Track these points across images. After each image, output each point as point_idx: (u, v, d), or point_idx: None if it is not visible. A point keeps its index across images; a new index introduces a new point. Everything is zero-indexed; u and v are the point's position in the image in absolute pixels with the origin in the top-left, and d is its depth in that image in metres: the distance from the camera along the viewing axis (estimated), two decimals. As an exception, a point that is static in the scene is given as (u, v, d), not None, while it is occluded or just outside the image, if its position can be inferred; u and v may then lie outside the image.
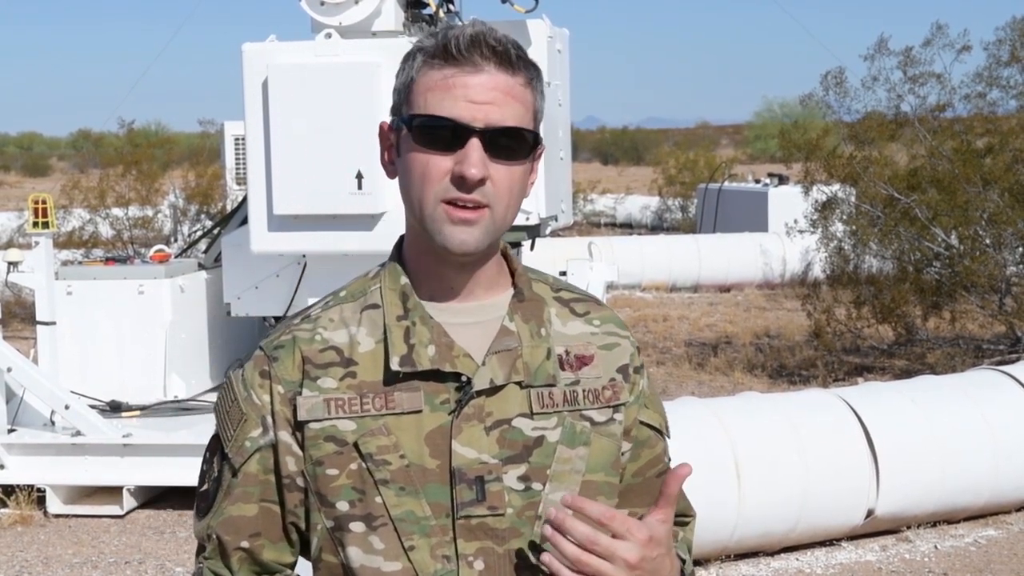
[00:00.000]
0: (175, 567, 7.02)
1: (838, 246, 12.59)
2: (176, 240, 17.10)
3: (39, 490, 7.96)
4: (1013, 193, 11.29)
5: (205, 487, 1.89)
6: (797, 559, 6.87)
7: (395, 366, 1.78)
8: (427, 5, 7.99)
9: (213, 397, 8.80)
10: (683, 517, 2.04)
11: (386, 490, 1.76)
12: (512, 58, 1.77)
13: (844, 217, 12.57)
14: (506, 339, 1.81)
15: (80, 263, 11.52)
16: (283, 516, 1.84)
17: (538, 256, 10.10)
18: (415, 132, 1.76)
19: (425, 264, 1.83)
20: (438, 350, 1.79)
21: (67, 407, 7.93)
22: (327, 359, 1.81)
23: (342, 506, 1.78)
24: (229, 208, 11.25)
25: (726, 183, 24.16)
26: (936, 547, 7.03)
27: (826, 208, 12.56)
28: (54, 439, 8.03)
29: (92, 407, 8.21)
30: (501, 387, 1.79)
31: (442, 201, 1.74)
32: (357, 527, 1.78)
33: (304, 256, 8.08)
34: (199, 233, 14.47)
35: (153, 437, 8.01)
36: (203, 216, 18.26)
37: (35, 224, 8.20)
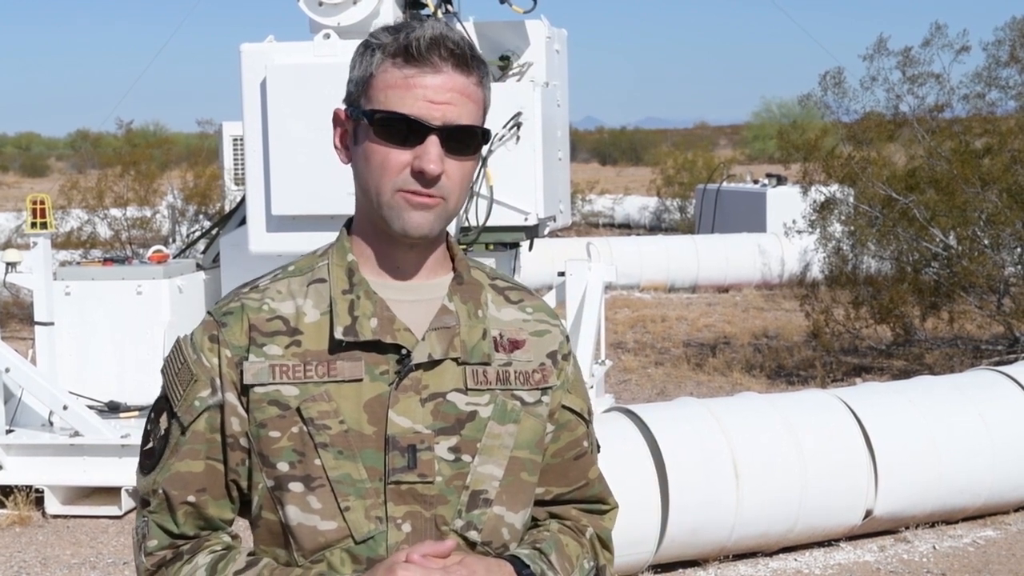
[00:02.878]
0: (173, 568, 7.01)
1: (836, 246, 12.60)
2: (174, 240, 17.09)
3: (37, 490, 7.96)
4: (1011, 194, 11.29)
5: (150, 445, 1.98)
6: (795, 559, 6.87)
7: (338, 335, 1.88)
8: (425, 5, 7.99)
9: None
10: (600, 505, 2.12)
11: (325, 453, 1.86)
12: (468, 59, 1.89)
13: (842, 217, 12.57)
14: (445, 317, 1.93)
15: (78, 263, 11.52)
16: (225, 474, 1.94)
17: (536, 257, 10.11)
18: (376, 126, 1.87)
19: (375, 244, 1.95)
20: (380, 323, 1.89)
21: (65, 407, 7.92)
22: (273, 328, 1.91)
23: (282, 467, 1.88)
24: (227, 208, 11.26)
25: (724, 183, 24.16)
26: (934, 547, 7.03)
27: (824, 208, 12.57)
28: (52, 440, 8.03)
29: (90, 407, 8.21)
30: (439, 362, 1.90)
31: (399, 190, 1.86)
32: (296, 487, 1.87)
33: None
34: (197, 233, 14.46)
35: (151, 437, 8.00)
36: (201, 216, 18.27)
37: (33, 224, 8.20)
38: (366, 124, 1.89)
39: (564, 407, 2.03)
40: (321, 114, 7.34)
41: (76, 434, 7.93)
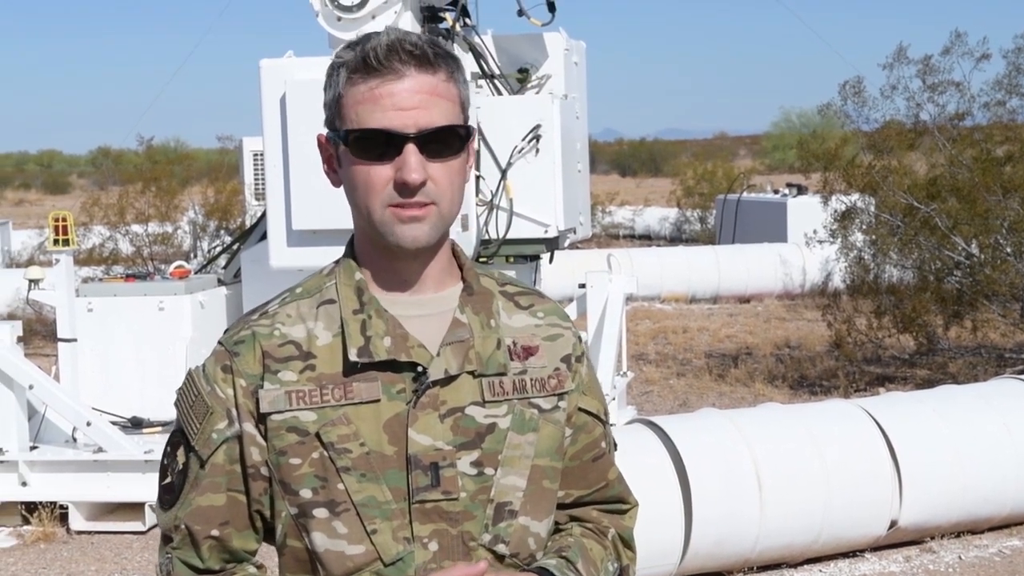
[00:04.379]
0: (197, 583, 7.02)
1: (858, 256, 12.55)
2: (196, 256, 17.16)
3: (62, 507, 7.98)
4: (1033, 201, 11.24)
5: (168, 480, 1.95)
6: (820, 571, 6.84)
7: (353, 357, 1.85)
8: (444, 20, 8.01)
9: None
10: (621, 504, 2.10)
11: (348, 477, 1.84)
12: (430, 57, 1.85)
13: (864, 227, 12.53)
14: (458, 330, 1.90)
15: (100, 280, 11.57)
16: (248, 505, 1.91)
17: (557, 269, 10.11)
18: (352, 146, 1.85)
19: (377, 260, 1.92)
20: (394, 341, 1.87)
21: (89, 424, 7.95)
22: (286, 353, 1.88)
23: (305, 493, 1.85)
24: (248, 224, 11.29)
25: (745, 194, 24.12)
26: (960, 557, 6.99)
27: (845, 218, 12.53)
28: (76, 456, 8.05)
29: (113, 423, 8.23)
30: (455, 377, 1.87)
31: (389, 206, 1.84)
32: (320, 513, 1.85)
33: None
34: (218, 249, 14.50)
35: (174, 453, 8.01)
36: (222, 232, 18.32)
37: (56, 241, 8.23)
38: (344, 146, 1.87)
39: (580, 409, 2.01)
40: (341, 129, 7.38)
41: (100, 450, 7.95)
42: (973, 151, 12.12)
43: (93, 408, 8.21)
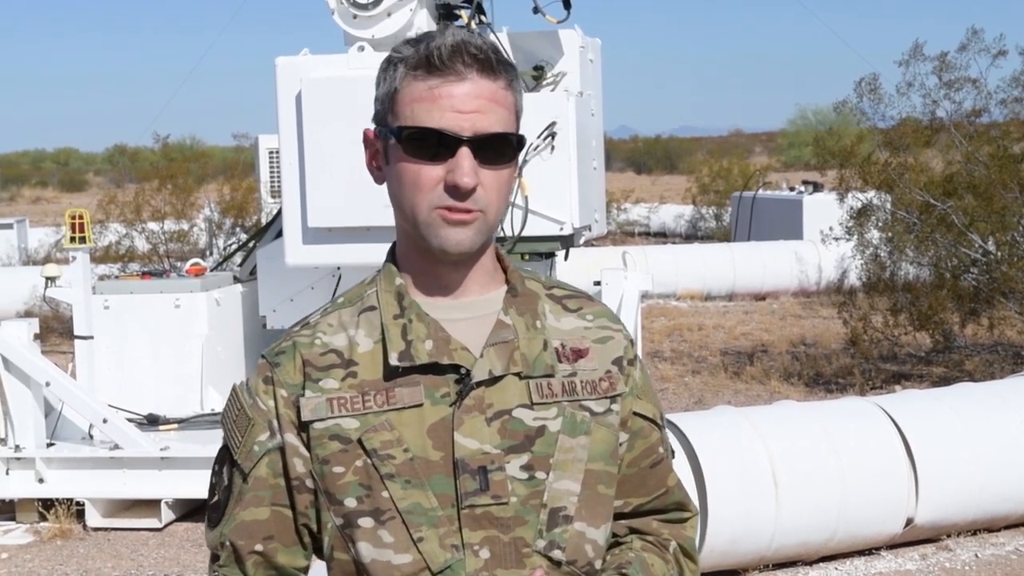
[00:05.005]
0: (213, 579, 7.04)
1: (874, 253, 12.52)
2: (211, 253, 17.18)
3: (78, 503, 8.01)
4: (1051, 198, 11.20)
5: (216, 498, 1.95)
6: (836, 568, 6.83)
7: (394, 361, 1.82)
8: (459, 17, 8.01)
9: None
10: (680, 512, 2.04)
11: (392, 484, 1.80)
12: (493, 64, 1.81)
13: (880, 224, 12.50)
14: (502, 332, 1.86)
15: (117, 277, 11.60)
16: (295, 519, 1.88)
17: (572, 266, 10.10)
18: (405, 143, 1.81)
19: (419, 265, 1.88)
20: (435, 344, 1.83)
21: (105, 421, 7.97)
22: (328, 361, 1.86)
23: (350, 503, 1.82)
24: (264, 221, 11.31)
25: (760, 191, 24.07)
26: (977, 556, 6.97)
27: (861, 215, 12.50)
28: (92, 453, 8.08)
29: (130, 421, 8.25)
30: (500, 378, 1.83)
31: (436, 207, 1.80)
32: (366, 522, 1.81)
33: (339, 268, 8.10)
34: (234, 246, 14.52)
35: (190, 450, 8.04)
36: (238, 229, 18.36)
37: (72, 239, 8.25)
38: (395, 142, 1.82)
39: (636, 414, 1.96)
40: (356, 126, 7.36)
41: (116, 447, 7.98)
42: (990, 148, 12.08)
43: (109, 405, 8.24)
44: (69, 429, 8.33)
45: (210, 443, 8.21)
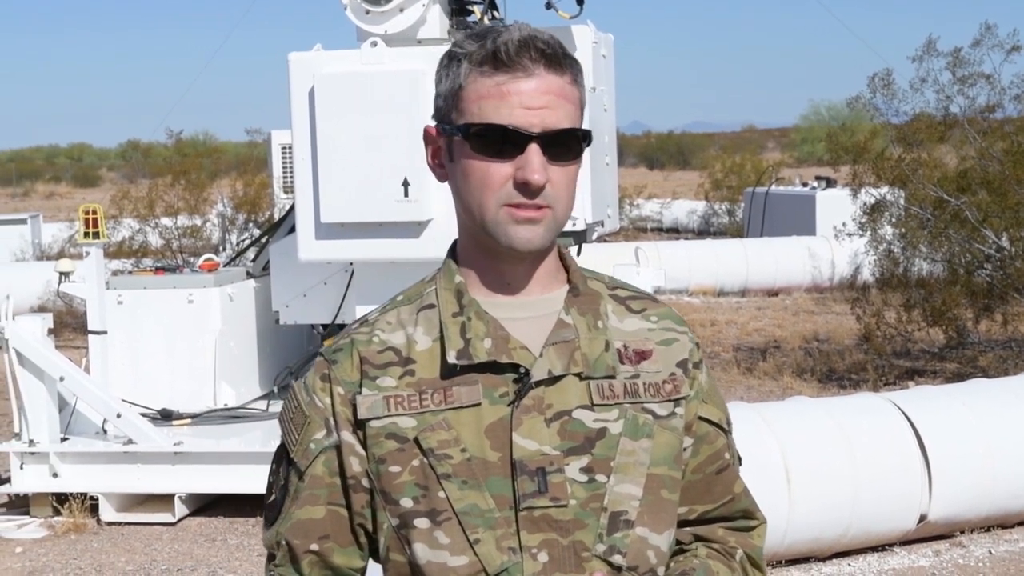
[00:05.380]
0: (226, 574, 7.06)
1: (887, 249, 12.49)
2: (224, 249, 17.21)
3: (92, 498, 8.03)
4: (1065, 194, 11.16)
5: (273, 497, 1.92)
6: (849, 564, 6.82)
7: (452, 359, 1.79)
8: (472, 12, 8.01)
9: (262, 405, 8.89)
10: (747, 520, 2.00)
11: (449, 484, 1.77)
12: (560, 58, 1.78)
13: (893, 220, 12.47)
14: (563, 331, 1.82)
15: (130, 273, 11.61)
16: (351, 519, 1.86)
17: (585, 261, 10.09)
18: (472, 140, 1.78)
19: (482, 262, 1.85)
20: (494, 343, 1.80)
21: (119, 415, 7.99)
22: (385, 359, 1.83)
23: (406, 503, 1.79)
24: (277, 217, 11.31)
25: (773, 187, 24.03)
26: (990, 552, 6.95)
27: (875, 211, 12.47)
28: (106, 447, 8.10)
29: (143, 415, 8.27)
30: (559, 378, 1.79)
31: (504, 205, 1.77)
32: (422, 523, 1.78)
33: (351, 264, 8.11)
34: (247, 242, 14.54)
35: (204, 445, 8.06)
36: (251, 225, 18.38)
37: (86, 234, 8.27)
38: (461, 140, 1.79)
39: (701, 418, 1.92)
40: (369, 122, 7.41)
41: (130, 442, 8.00)
42: (1003, 143, 12.04)
43: (123, 400, 8.26)
44: (83, 424, 8.35)
45: (223, 438, 8.25)
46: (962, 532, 7.13)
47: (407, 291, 1.92)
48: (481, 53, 1.77)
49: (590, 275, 1.93)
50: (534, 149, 1.75)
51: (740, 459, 2.03)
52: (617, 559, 1.78)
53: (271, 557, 1.91)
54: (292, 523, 1.87)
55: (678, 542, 1.92)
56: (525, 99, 1.75)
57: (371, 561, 1.92)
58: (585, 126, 1.86)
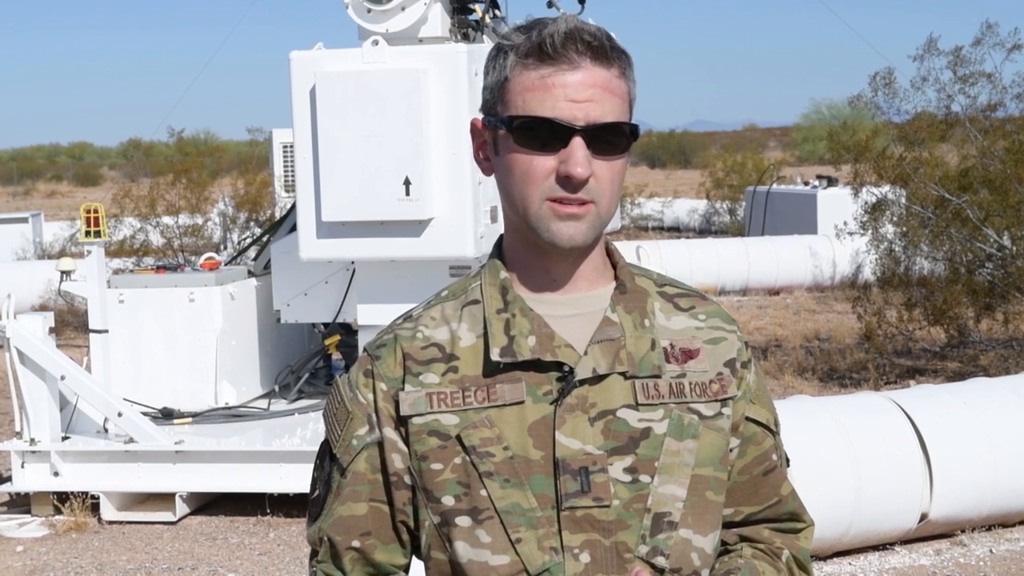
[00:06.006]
0: (227, 573, 7.06)
1: (888, 248, 12.48)
2: (226, 248, 17.23)
3: (93, 497, 8.03)
4: (1066, 193, 11.16)
5: (316, 493, 1.91)
6: (850, 563, 6.82)
7: (495, 357, 1.78)
8: (473, 11, 8.01)
9: (263, 404, 8.89)
10: (795, 523, 1.99)
11: (491, 482, 1.76)
12: (607, 51, 1.76)
13: (894, 219, 12.46)
14: (609, 329, 1.80)
15: (131, 271, 11.62)
16: (392, 516, 1.85)
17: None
18: (516, 133, 1.76)
19: (527, 258, 1.84)
20: (539, 340, 1.78)
21: (120, 414, 7.99)
22: (429, 355, 1.82)
23: (447, 500, 1.78)
24: (278, 215, 11.32)
25: (774, 185, 24.03)
26: (991, 551, 6.95)
27: (876, 210, 12.46)
28: (107, 446, 8.10)
29: (144, 414, 8.27)
30: (604, 376, 1.78)
31: (547, 199, 1.75)
32: (463, 521, 1.77)
33: (353, 262, 8.11)
34: (248, 240, 14.54)
35: (205, 444, 8.06)
36: (252, 223, 18.40)
37: (87, 233, 8.27)
38: (505, 133, 1.77)
39: (748, 419, 1.90)
40: (370, 120, 7.41)
41: (131, 441, 8.00)
42: (1005, 142, 12.03)
43: (124, 399, 8.26)
44: (84, 422, 8.35)
45: (224, 437, 8.25)
46: (963, 531, 7.13)
47: (452, 286, 1.91)
48: (527, 45, 1.75)
49: (638, 272, 1.91)
50: (578, 142, 1.73)
51: (788, 460, 2.01)
52: (660, 561, 1.77)
53: (314, 553, 1.91)
54: (334, 519, 1.86)
55: (724, 543, 1.91)
56: (570, 92, 1.73)
57: (415, 559, 1.92)
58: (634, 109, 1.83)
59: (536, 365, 1.78)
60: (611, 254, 1.89)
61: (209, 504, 8.20)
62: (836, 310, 16.34)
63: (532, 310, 1.81)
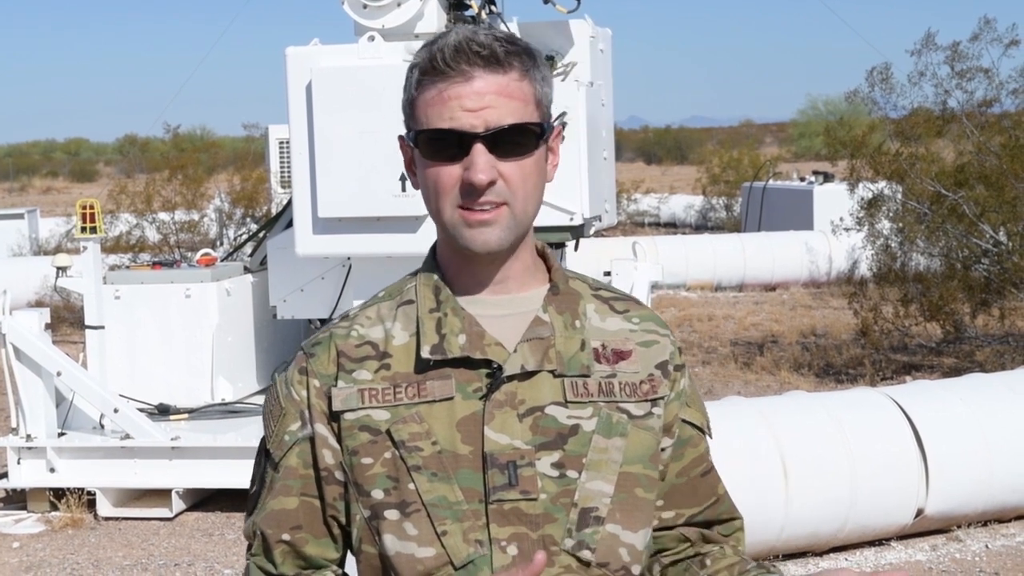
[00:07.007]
0: (224, 569, 7.06)
1: (885, 244, 12.50)
2: (222, 244, 17.22)
3: (89, 493, 8.03)
4: (1062, 188, 11.17)
5: (253, 488, 1.95)
6: (846, 559, 6.82)
7: (426, 354, 1.82)
8: (469, 7, 8.00)
9: (259, 400, 8.88)
10: (731, 523, 2.03)
11: (418, 476, 1.79)
12: (500, 57, 1.80)
13: (891, 214, 12.48)
14: (539, 328, 1.85)
15: (127, 267, 11.62)
16: (323, 510, 1.89)
17: (582, 256, 10.09)
18: (423, 147, 1.82)
19: (456, 262, 1.88)
20: (469, 339, 1.83)
21: (116, 410, 7.99)
22: (362, 353, 1.86)
23: (377, 494, 1.82)
24: (274, 211, 11.33)
25: (771, 181, 24.04)
26: (987, 547, 6.96)
27: (872, 205, 12.48)
28: (103, 442, 8.10)
29: (141, 410, 8.27)
30: (533, 373, 1.82)
31: (458, 207, 1.80)
32: (392, 514, 1.81)
33: (349, 258, 8.11)
34: (244, 236, 14.54)
35: (201, 440, 8.06)
36: (248, 220, 18.39)
37: (83, 229, 8.27)
38: (416, 148, 1.85)
39: (684, 421, 1.95)
40: (366, 116, 7.40)
41: (127, 437, 7.99)
42: (1001, 138, 12.05)
43: (120, 395, 8.26)
44: (80, 419, 8.35)
45: (220, 433, 8.25)
46: (959, 527, 7.14)
47: (389, 287, 1.96)
48: (424, 62, 1.81)
49: (573, 276, 1.95)
50: (478, 149, 1.77)
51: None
52: (586, 554, 1.80)
53: (249, 547, 1.94)
54: (266, 513, 1.90)
55: (667, 549, 1.97)
56: (465, 102, 1.78)
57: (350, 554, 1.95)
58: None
59: (466, 363, 1.82)
60: (545, 257, 1.94)
61: (205, 500, 8.20)
62: (832, 306, 16.36)
63: (464, 310, 1.85)
